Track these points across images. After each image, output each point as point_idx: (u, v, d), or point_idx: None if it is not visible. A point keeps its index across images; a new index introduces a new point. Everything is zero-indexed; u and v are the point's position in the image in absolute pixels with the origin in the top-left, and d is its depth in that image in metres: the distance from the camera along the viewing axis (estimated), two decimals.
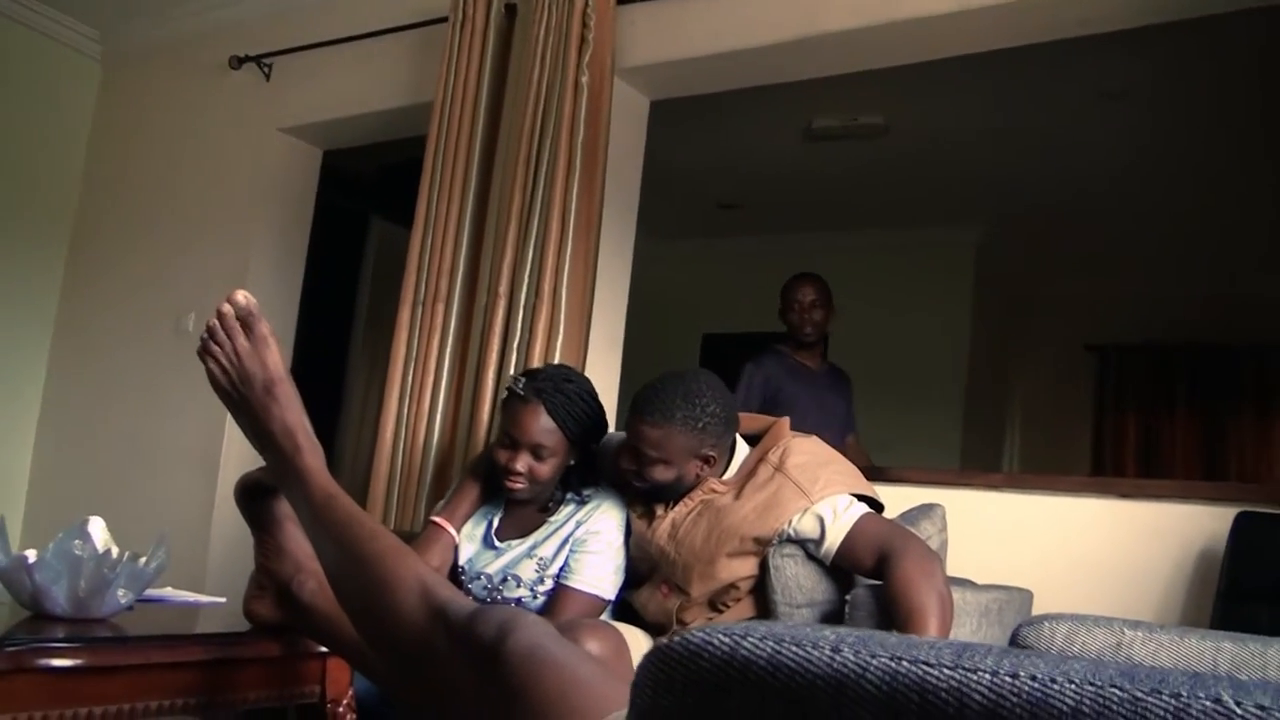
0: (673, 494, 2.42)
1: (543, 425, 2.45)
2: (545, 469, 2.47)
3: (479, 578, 2.58)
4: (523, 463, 2.46)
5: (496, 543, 2.58)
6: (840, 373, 4.66)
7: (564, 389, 2.50)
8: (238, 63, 4.77)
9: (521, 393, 2.48)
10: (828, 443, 3.83)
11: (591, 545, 2.49)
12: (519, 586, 2.53)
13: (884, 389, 6.91)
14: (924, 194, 6.37)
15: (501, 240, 3.64)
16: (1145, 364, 7.26)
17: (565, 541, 2.51)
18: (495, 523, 2.61)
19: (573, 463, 2.54)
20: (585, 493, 2.58)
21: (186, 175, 5.05)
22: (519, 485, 2.48)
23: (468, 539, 2.63)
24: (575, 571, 2.47)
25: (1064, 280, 7.19)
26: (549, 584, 2.51)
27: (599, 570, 2.48)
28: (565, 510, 2.55)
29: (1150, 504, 3.07)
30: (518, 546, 2.55)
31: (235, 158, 4.89)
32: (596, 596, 2.47)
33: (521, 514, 2.60)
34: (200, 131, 5.04)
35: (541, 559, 2.51)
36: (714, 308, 7.73)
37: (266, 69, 4.77)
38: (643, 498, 2.49)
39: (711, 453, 2.38)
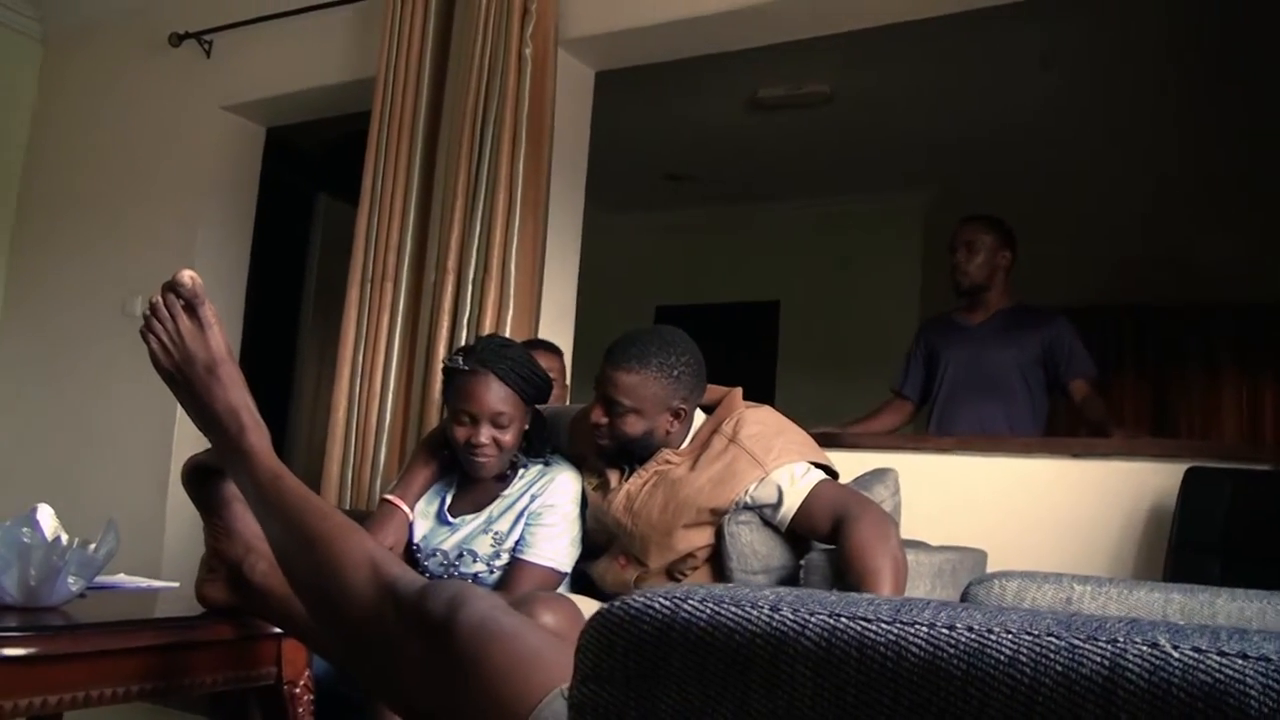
0: (642, 452, 2.41)
1: (498, 394, 2.45)
2: (509, 437, 2.47)
3: (435, 554, 2.57)
4: (486, 434, 2.45)
5: (450, 518, 2.57)
6: (1021, 315, 3.87)
7: (508, 354, 2.50)
8: (178, 40, 4.71)
9: (467, 367, 2.47)
10: (1009, 405, 3.75)
11: (546, 518, 2.48)
12: (475, 562, 2.52)
13: (836, 356, 6.96)
14: (871, 161, 6.39)
15: (449, 216, 3.62)
16: (1092, 327, 7.30)
17: (521, 515, 2.50)
18: (448, 499, 2.60)
19: (526, 427, 2.55)
20: (547, 455, 2.60)
21: (130, 155, 4.98)
22: (487, 458, 2.47)
23: (422, 516, 2.61)
24: (531, 545, 2.47)
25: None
26: (505, 558, 2.50)
27: (555, 543, 2.48)
28: (520, 483, 2.54)
29: (1100, 462, 3.11)
30: (472, 521, 2.55)
31: (179, 136, 4.84)
32: (553, 570, 2.47)
33: (475, 489, 2.59)
34: (143, 110, 4.98)
35: (497, 533, 2.51)
36: (666, 279, 7.73)
37: (207, 46, 4.71)
38: (606, 461, 2.48)
39: (683, 406, 2.38)
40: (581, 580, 2.57)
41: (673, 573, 2.39)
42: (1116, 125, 5.50)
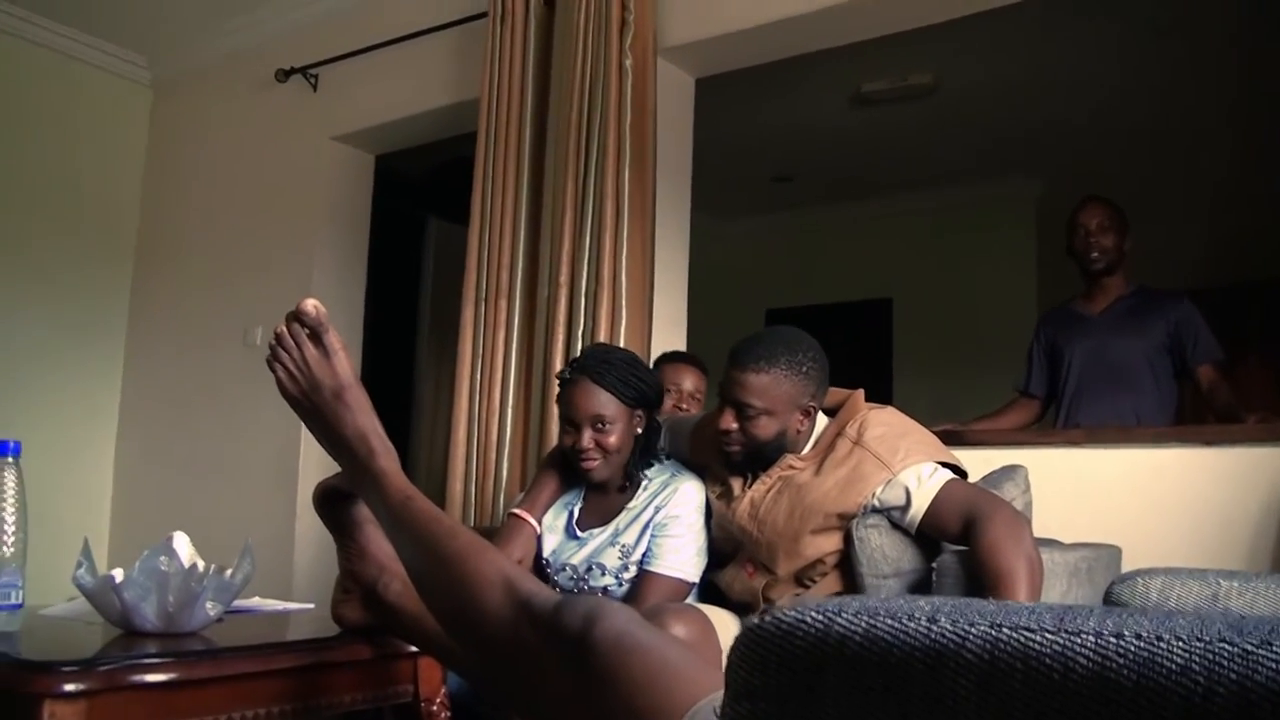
0: (773, 455, 2.37)
1: (596, 397, 2.49)
2: (611, 439, 2.50)
3: (564, 569, 2.59)
4: (588, 438, 2.49)
5: (578, 532, 2.59)
6: (1144, 300, 3.78)
7: (608, 359, 2.55)
8: (284, 75, 4.81)
9: (568, 376, 2.54)
10: (1138, 395, 3.64)
11: (672, 529, 2.48)
12: (604, 575, 2.53)
13: (953, 352, 6.85)
14: (980, 151, 6.28)
15: (558, 231, 3.64)
16: (1214, 307, 7.06)
17: (646, 527, 2.51)
18: (575, 513, 2.63)
19: (639, 432, 2.56)
20: (665, 459, 2.62)
21: (244, 190, 5.11)
22: (593, 463, 2.51)
23: (550, 531, 2.64)
24: (658, 556, 2.47)
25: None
26: (633, 570, 2.51)
27: (681, 554, 2.48)
28: (644, 495, 2.55)
29: (1235, 449, 3.00)
30: (600, 535, 2.56)
31: (290, 169, 4.95)
32: (681, 580, 2.46)
33: (601, 502, 2.61)
34: (254, 146, 5.10)
35: (624, 546, 2.52)
36: (776, 282, 7.70)
37: (313, 79, 4.81)
38: (729, 468, 2.46)
39: (812, 404, 2.35)
40: (709, 589, 2.56)
41: (801, 579, 2.37)
42: (1232, 97, 5.33)
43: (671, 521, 2.49)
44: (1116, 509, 3.03)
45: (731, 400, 2.34)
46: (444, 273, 6.33)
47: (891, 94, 5.52)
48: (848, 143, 6.26)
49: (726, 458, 2.43)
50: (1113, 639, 0.51)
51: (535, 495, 2.66)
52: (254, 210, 5.05)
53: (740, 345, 2.37)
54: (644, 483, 2.58)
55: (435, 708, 2.03)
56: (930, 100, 5.59)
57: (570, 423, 2.52)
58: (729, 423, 2.35)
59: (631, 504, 2.55)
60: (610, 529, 2.55)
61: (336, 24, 4.77)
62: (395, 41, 4.45)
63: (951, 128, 5.93)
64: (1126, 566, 2.58)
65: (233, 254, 5.08)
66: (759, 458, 2.39)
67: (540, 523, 2.63)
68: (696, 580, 2.51)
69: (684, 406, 3.39)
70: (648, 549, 2.50)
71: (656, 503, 2.52)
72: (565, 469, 2.65)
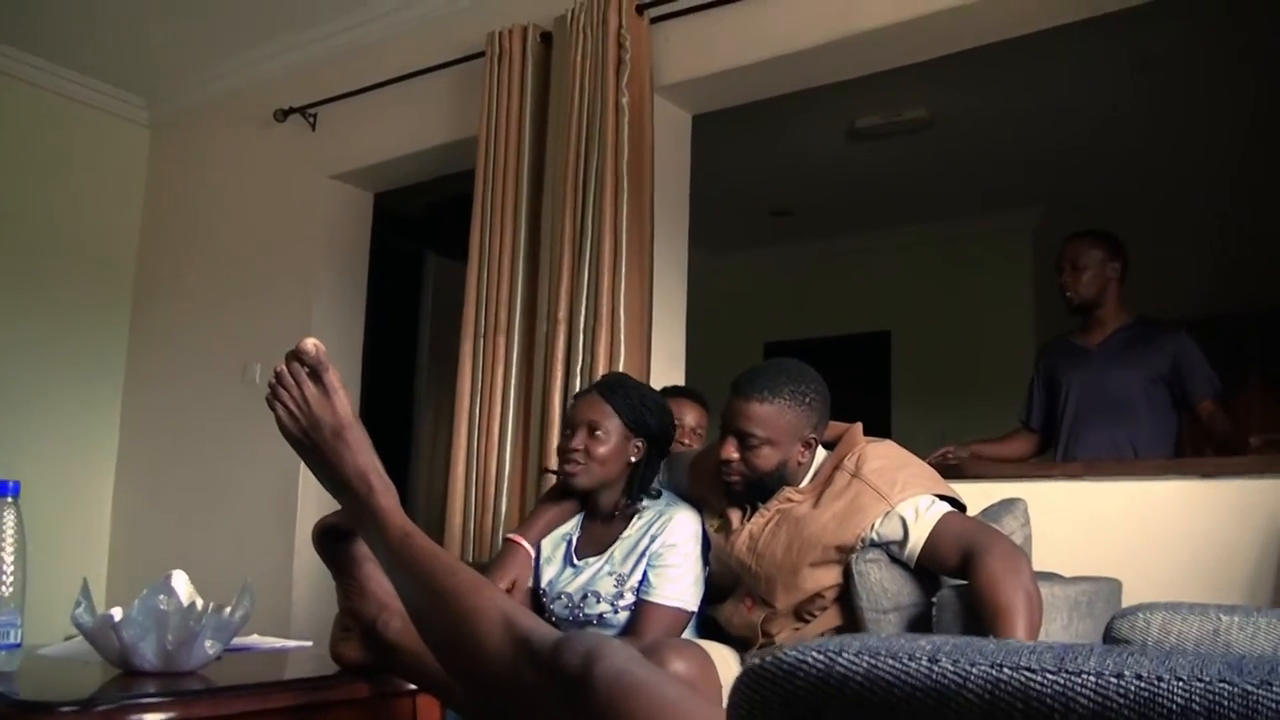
0: (773, 485, 2.38)
1: (596, 406, 2.58)
2: (600, 449, 2.55)
3: (560, 597, 2.60)
4: (579, 440, 2.56)
5: (575, 561, 2.61)
6: (1141, 332, 3.72)
7: (623, 382, 2.65)
8: (283, 115, 4.84)
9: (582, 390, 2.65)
10: (1135, 427, 3.62)
11: (669, 558, 2.49)
12: (599, 603, 2.54)
13: (951, 384, 6.85)
14: (975, 183, 6.32)
15: (556, 267, 3.65)
16: (1212, 337, 7.05)
17: (642, 556, 2.52)
18: (574, 541, 2.66)
19: (634, 460, 2.59)
20: (658, 492, 2.63)
21: (242, 229, 5.13)
22: (577, 466, 2.56)
23: (548, 561, 2.67)
24: (655, 586, 2.48)
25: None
26: (629, 598, 2.52)
27: (679, 583, 2.48)
28: (639, 524, 2.57)
29: (1234, 481, 2.99)
30: (595, 563, 2.58)
31: (289, 208, 4.96)
32: (679, 609, 2.47)
33: (598, 531, 2.64)
34: (252, 185, 5.12)
35: (620, 575, 2.53)
36: (774, 316, 7.71)
37: (311, 119, 4.84)
38: (728, 500, 2.46)
39: (813, 435, 2.36)
40: (709, 624, 2.56)
41: (801, 613, 2.36)
42: (1227, 124, 5.36)
43: (668, 551, 2.49)
44: (1116, 542, 3.02)
45: (734, 429, 2.35)
46: (443, 309, 6.34)
47: (886, 128, 5.56)
48: (844, 177, 6.29)
49: (726, 488, 2.43)
50: (1113, 679, 0.51)
51: (532, 521, 2.71)
52: (253, 249, 5.07)
53: (744, 375, 2.38)
54: (640, 512, 2.59)
55: None
56: (925, 134, 5.63)
57: (569, 426, 2.61)
58: (730, 452, 2.35)
59: (627, 533, 2.57)
60: (606, 557, 2.57)
61: (334, 64, 4.80)
62: (393, 81, 4.47)
63: (947, 161, 5.96)
64: (1127, 600, 2.57)
65: (231, 292, 5.09)
66: (759, 489, 2.39)
67: (536, 548, 2.66)
68: (695, 609, 2.51)
69: (685, 441, 3.39)
70: (645, 579, 2.50)
71: (652, 531, 2.53)
72: (565, 500, 2.69)
